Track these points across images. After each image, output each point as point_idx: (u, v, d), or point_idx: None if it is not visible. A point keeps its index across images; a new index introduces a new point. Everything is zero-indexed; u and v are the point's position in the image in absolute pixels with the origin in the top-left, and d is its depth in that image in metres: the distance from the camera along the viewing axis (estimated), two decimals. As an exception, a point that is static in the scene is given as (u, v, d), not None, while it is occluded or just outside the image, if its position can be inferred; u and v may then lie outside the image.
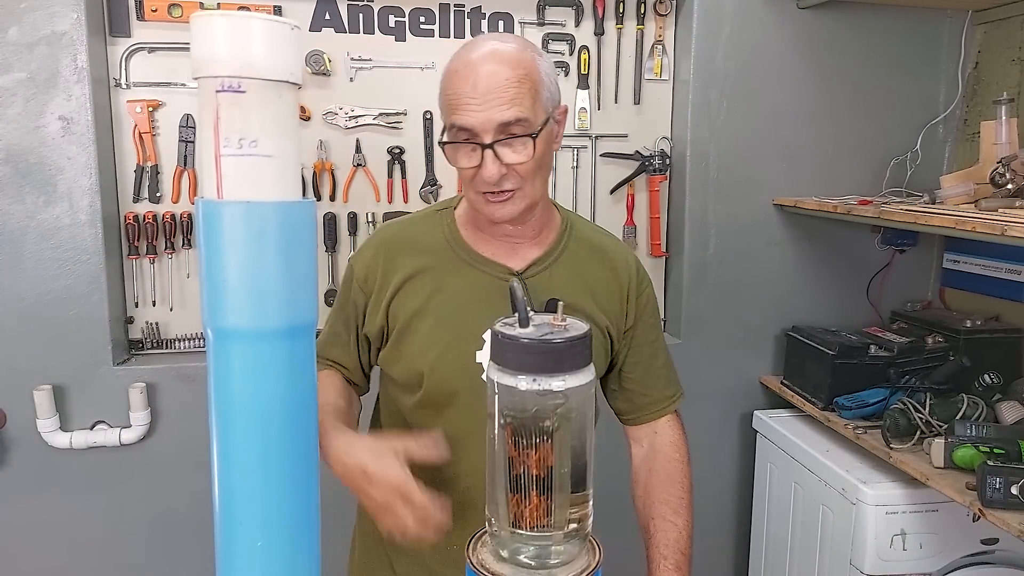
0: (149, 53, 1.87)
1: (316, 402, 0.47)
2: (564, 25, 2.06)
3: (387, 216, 2.02)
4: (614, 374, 1.22)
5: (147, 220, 1.89)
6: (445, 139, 1.05)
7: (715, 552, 2.29)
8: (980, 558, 1.74)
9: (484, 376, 1.07)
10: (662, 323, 1.33)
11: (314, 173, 1.97)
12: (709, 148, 2.09)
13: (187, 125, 1.90)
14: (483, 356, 1.10)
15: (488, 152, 1.00)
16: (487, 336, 1.09)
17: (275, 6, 1.89)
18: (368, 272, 1.15)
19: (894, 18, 2.12)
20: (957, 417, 1.68)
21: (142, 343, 1.97)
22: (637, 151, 2.12)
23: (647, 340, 1.21)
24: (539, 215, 1.13)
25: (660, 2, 2.07)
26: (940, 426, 1.68)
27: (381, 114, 1.98)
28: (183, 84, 1.89)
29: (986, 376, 1.77)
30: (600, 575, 0.63)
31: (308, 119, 1.95)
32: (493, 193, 1.03)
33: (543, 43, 2.04)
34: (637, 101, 2.12)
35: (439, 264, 1.12)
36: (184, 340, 1.98)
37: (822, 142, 2.15)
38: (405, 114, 2.00)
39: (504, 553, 0.63)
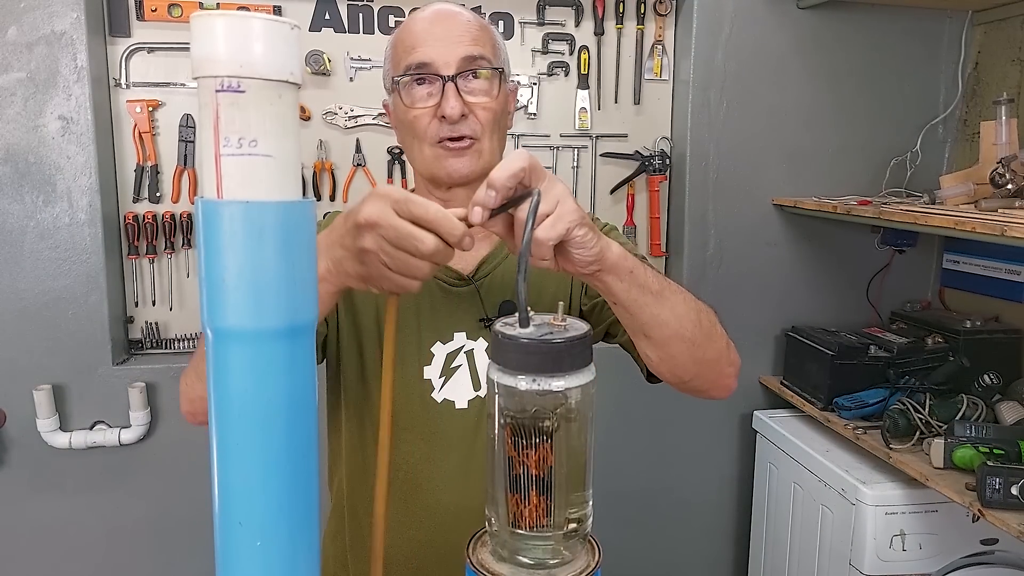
0: (149, 53, 1.87)
1: (316, 402, 0.47)
2: (564, 25, 2.06)
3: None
4: (621, 340, 1.05)
5: (147, 220, 1.89)
6: (401, 76, 0.94)
7: (715, 552, 2.29)
8: (979, 559, 1.74)
9: (435, 395, 1.01)
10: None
11: (314, 173, 1.97)
12: (709, 148, 2.08)
13: (187, 125, 1.90)
14: (432, 372, 1.01)
15: (450, 85, 0.93)
16: (436, 350, 1.01)
17: (275, 6, 1.90)
18: None
19: (894, 18, 2.12)
20: (957, 417, 1.68)
21: (142, 343, 1.97)
22: (637, 151, 2.12)
23: None
24: None
25: (660, 2, 2.07)
26: (940, 426, 1.68)
27: (381, 114, 1.97)
28: (183, 84, 1.89)
29: (986, 376, 1.77)
30: (600, 575, 0.63)
31: (308, 119, 1.95)
32: (451, 140, 0.95)
33: (543, 43, 2.04)
34: (637, 101, 2.12)
35: None
36: (184, 340, 1.98)
37: (822, 142, 2.15)
38: (405, 114, 2.00)
39: (504, 553, 0.63)
